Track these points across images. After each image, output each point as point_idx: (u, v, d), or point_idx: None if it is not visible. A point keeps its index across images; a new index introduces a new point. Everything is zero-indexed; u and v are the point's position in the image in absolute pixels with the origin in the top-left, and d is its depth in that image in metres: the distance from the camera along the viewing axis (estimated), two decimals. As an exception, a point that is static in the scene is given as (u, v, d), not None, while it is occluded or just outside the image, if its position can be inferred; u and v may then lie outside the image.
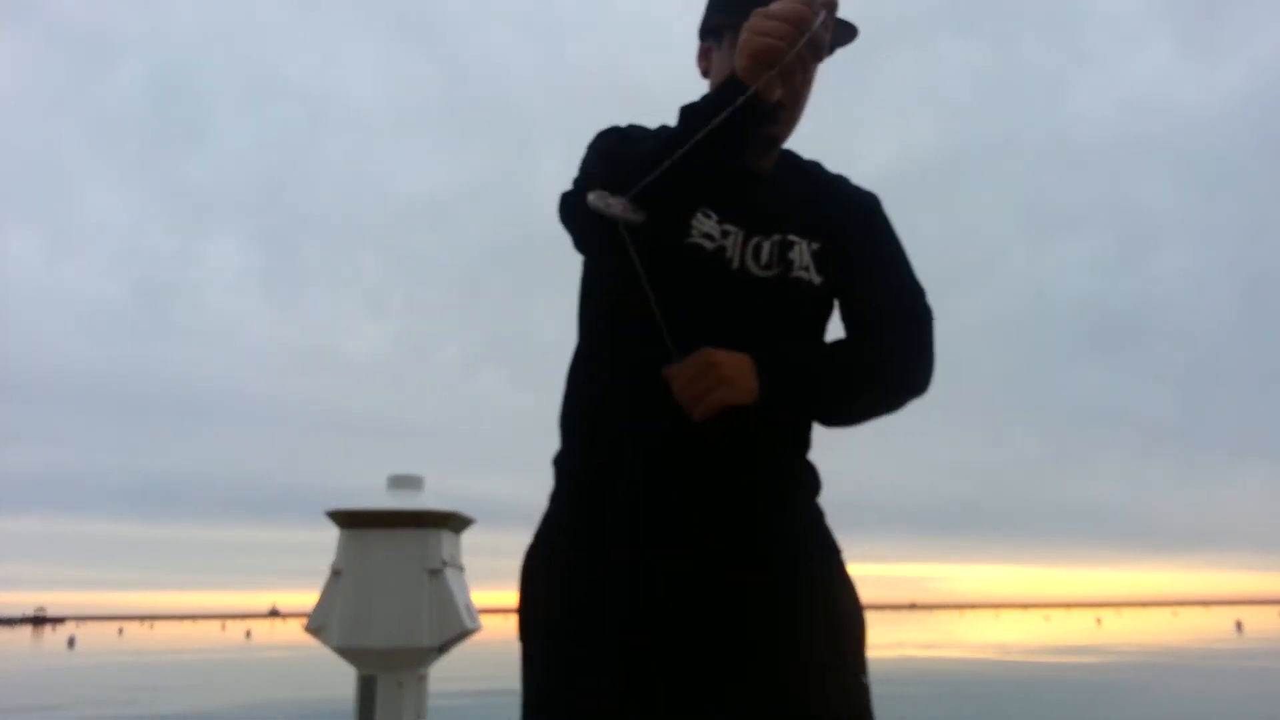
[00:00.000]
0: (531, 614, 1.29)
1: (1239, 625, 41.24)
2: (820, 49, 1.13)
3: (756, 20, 1.11)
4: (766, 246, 1.32)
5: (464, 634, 2.72)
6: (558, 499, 1.35)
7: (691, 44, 1.45)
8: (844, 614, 1.29)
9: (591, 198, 1.11)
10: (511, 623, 1.35)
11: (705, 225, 1.29)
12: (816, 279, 1.34)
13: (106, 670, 21.88)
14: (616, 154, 1.23)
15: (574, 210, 1.22)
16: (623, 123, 1.40)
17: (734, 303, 1.29)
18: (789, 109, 1.29)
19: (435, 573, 2.76)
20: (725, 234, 1.30)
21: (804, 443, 1.37)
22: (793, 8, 1.09)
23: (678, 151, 1.10)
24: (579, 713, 1.20)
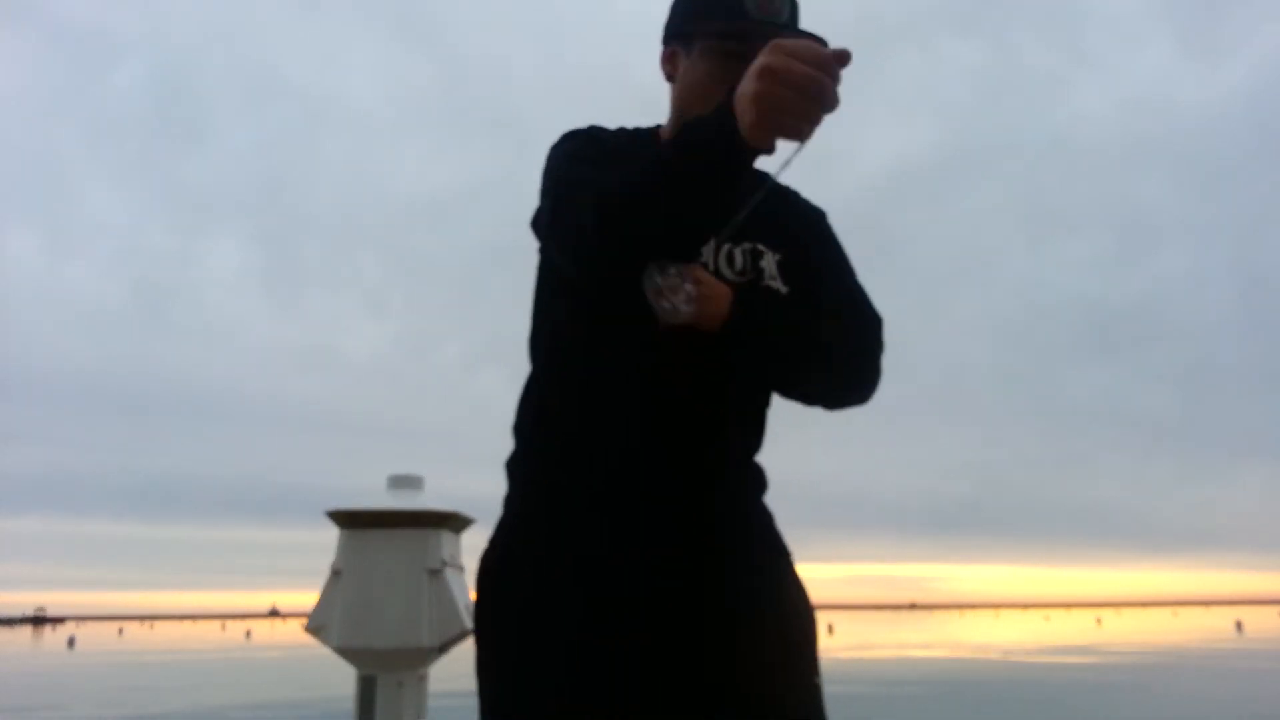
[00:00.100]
0: (485, 616, 1.29)
1: (1239, 625, 41.25)
2: (834, 105, 1.01)
3: (771, 83, 0.97)
4: (739, 254, 1.34)
5: (464, 634, 2.72)
6: (511, 503, 1.35)
7: None
8: (795, 615, 1.31)
9: (648, 288, 1.17)
10: None
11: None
12: (784, 288, 1.36)
13: (106, 670, 21.88)
14: (594, 186, 1.17)
15: (588, 255, 1.19)
16: (623, 123, 1.40)
17: None
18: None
19: (435, 573, 2.76)
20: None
21: (755, 445, 1.38)
22: (817, 78, 0.97)
23: (678, 212, 1.11)
24: (533, 715, 1.19)
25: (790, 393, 1.35)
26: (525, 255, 1.43)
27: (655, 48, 1.41)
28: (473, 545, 3.06)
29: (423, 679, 2.86)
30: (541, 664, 1.20)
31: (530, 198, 1.36)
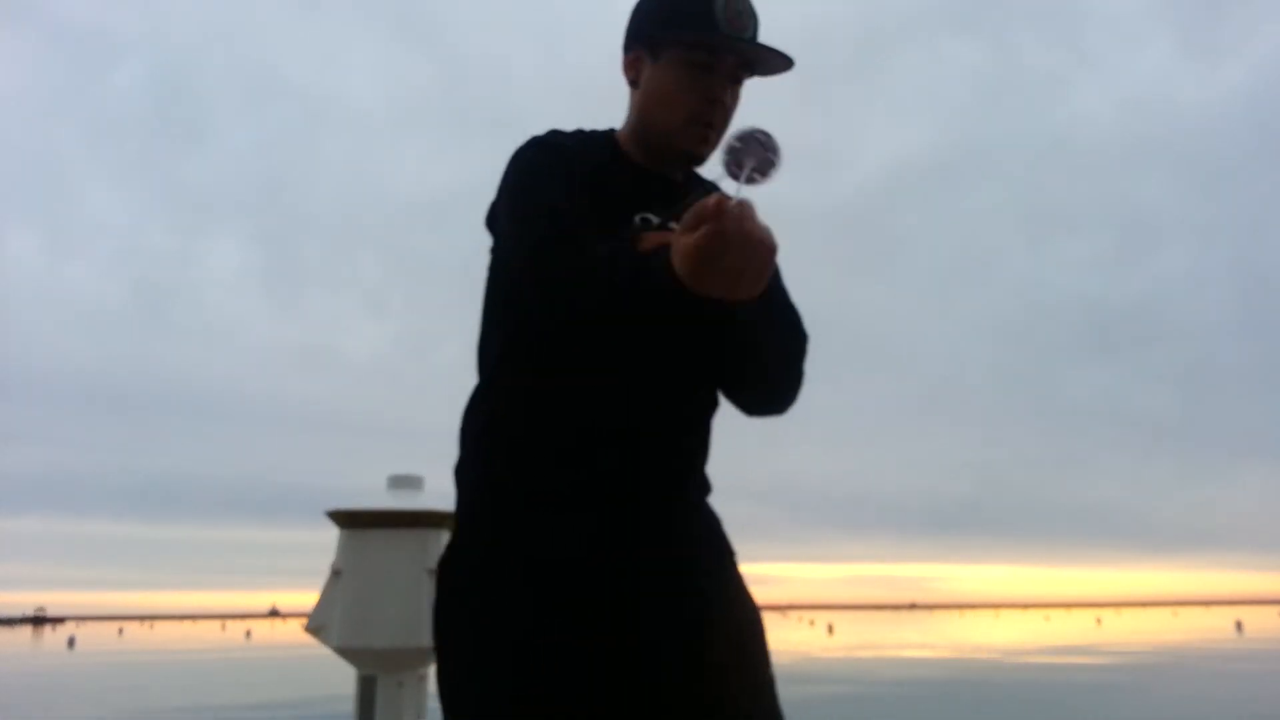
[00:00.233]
0: (441, 623, 1.29)
1: (1239, 625, 41.24)
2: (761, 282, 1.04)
3: (717, 241, 0.97)
4: None
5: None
6: (467, 508, 1.34)
7: None
8: (745, 615, 1.33)
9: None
10: None
11: (647, 230, 1.31)
12: None
13: (106, 670, 21.88)
14: (569, 261, 1.19)
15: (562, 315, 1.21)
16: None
17: None
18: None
19: (435, 573, 2.76)
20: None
21: (706, 451, 1.41)
22: (757, 258, 1.00)
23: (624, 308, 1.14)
24: (488, 712, 1.20)
25: (741, 393, 1.37)
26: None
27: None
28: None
29: (423, 679, 2.86)
30: (496, 667, 1.20)
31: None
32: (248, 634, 52.25)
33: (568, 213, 1.23)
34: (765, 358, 1.32)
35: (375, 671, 2.79)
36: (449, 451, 1.38)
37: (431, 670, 2.86)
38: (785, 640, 32.06)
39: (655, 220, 1.31)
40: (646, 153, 1.37)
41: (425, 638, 2.68)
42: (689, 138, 1.32)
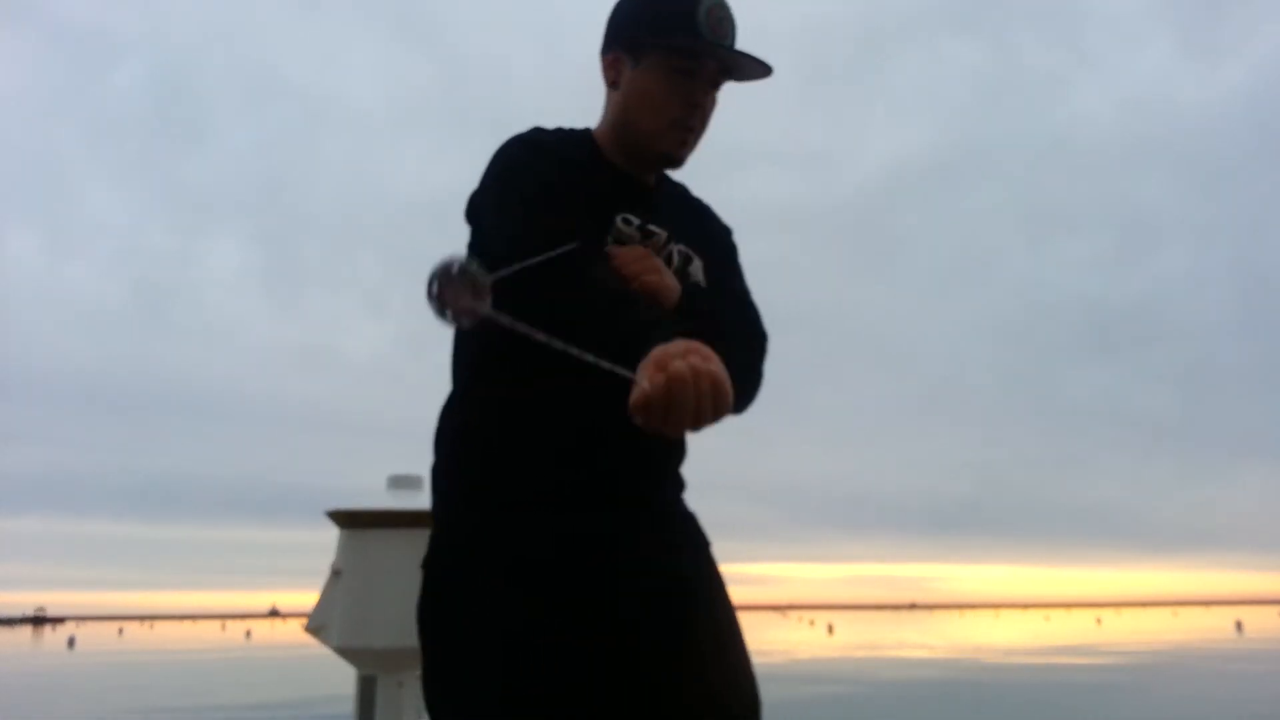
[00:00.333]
0: (424, 622, 1.32)
1: (1239, 625, 41.25)
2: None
3: (685, 388, 0.94)
4: (676, 254, 1.38)
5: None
6: (445, 511, 1.36)
7: None
8: (726, 613, 1.36)
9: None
10: None
11: (628, 230, 1.33)
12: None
13: (106, 670, 21.89)
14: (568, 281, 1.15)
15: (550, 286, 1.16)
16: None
17: None
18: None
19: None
20: (647, 235, 1.36)
21: (684, 448, 1.43)
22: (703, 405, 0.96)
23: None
24: (476, 712, 1.21)
25: None
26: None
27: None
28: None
29: (423, 679, 2.86)
30: (481, 667, 1.21)
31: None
32: (248, 634, 52.26)
33: (551, 206, 1.25)
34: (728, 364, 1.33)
35: (375, 671, 2.79)
36: (449, 452, 1.38)
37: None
38: (785, 640, 32.06)
39: (636, 221, 1.34)
40: (624, 153, 1.39)
41: (425, 638, 2.69)
42: (670, 141, 1.35)
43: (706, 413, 0.95)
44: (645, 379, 0.94)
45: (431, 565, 1.33)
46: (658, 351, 0.96)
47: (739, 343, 1.37)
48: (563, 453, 1.29)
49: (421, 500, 2.94)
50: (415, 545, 2.79)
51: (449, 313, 0.95)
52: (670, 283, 1.27)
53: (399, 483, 3.02)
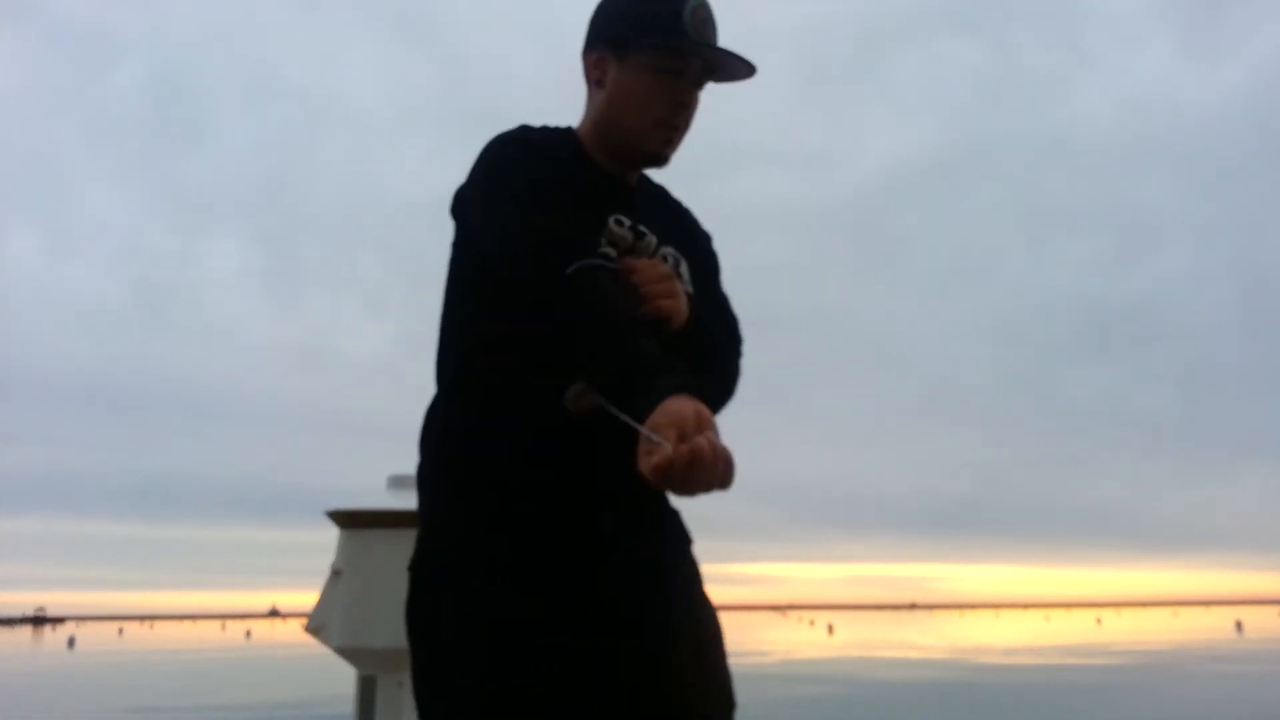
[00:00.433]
0: (412, 622, 1.30)
1: (1239, 625, 41.29)
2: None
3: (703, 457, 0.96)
4: (669, 257, 1.39)
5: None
6: (432, 512, 1.36)
7: None
8: (706, 611, 1.38)
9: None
10: None
11: (620, 232, 1.34)
12: (692, 292, 1.41)
13: (106, 670, 21.90)
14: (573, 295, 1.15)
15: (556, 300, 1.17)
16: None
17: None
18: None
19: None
20: (640, 236, 1.36)
21: None
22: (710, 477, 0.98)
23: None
24: (463, 711, 1.21)
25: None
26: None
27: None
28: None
29: (423, 679, 2.86)
30: (469, 666, 1.21)
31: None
32: (248, 634, 52.30)
33: (540, 203, 1.25)
34: (710, 371, 1.35)
35: (375, 671, 2.79)
36: (449, 453, 1.37)
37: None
38: (785, 640, 32.07)
39: (628, 223, 1.34)
40: (608, 153, 1.40)
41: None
42: (656, 140, 1.36)
43: (714, 488, 0.99)
44: (667, 444, 0.97)
45: (418, 567, 1.32)
46: (675, 415, 0.97)
47: (725, 352, 1.41)
48: (549, 452, 1.28)
49: (421, 500, 2.94)
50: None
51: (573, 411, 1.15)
52: (682, 307, 1.28)
53: (399, 483, 3.02)
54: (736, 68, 1.35)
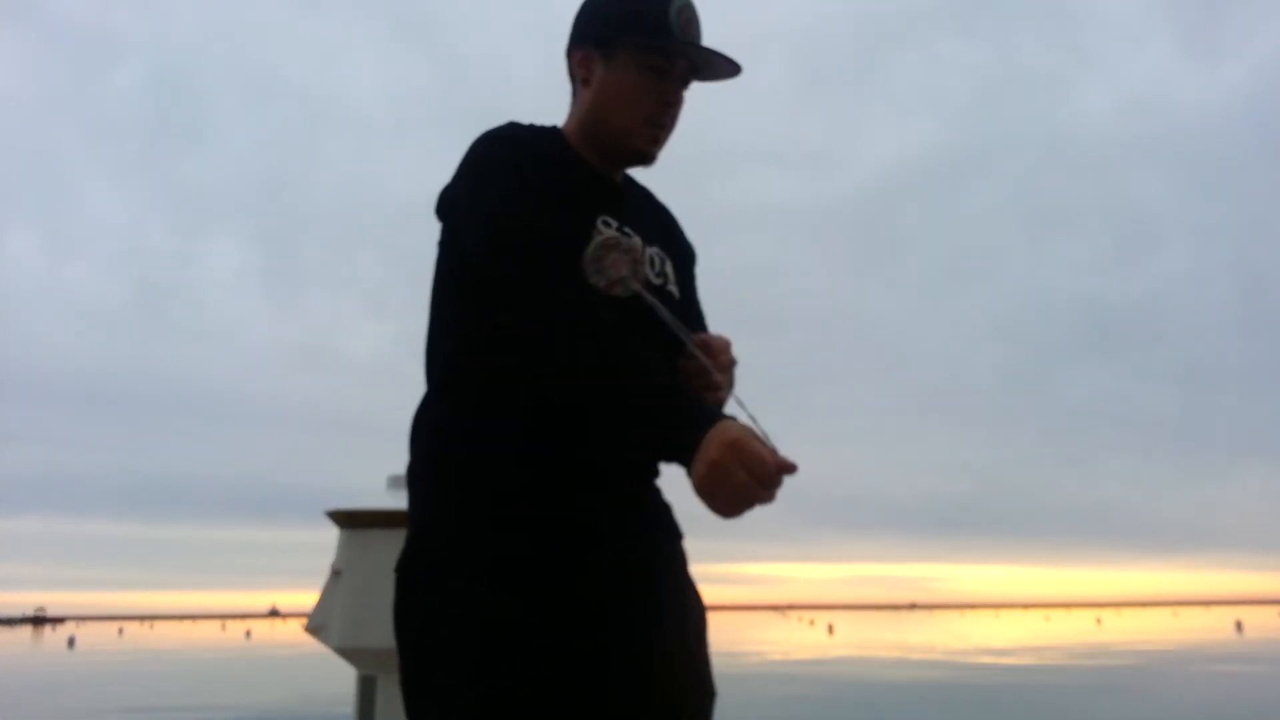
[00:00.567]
0: (401, 622, 1.28)
1: (1239, 625, 41.28)
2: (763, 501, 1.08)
3: (733, 468, 1.03)
4: (657, 257, 1.40)
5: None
6: (421, 511, 1.34)
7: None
8: (696, 606, 1.40)
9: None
10: None
11: (607, 233, 1.32)
12: (678, 294, 1.43)
13: (106, 670, 21.90)
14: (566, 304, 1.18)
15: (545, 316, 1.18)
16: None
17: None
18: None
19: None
20: (626, 237, 1.35)
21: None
22: (752, 490, 1.04)
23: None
24: (451, 702, 1.20)
25: None
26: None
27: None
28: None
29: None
30: (459, 664, 1.20)
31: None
32: (248, 634, 52.29)
33: (527, 201, 1.25)
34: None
35: (375, 671, 2.80)
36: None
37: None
38: (785, 640, 32.07)
39: (615, 224, 1.34)
40: (595, 151, 1.40)
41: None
42: (643, 139, 1.37)
43: (760, 496, 1.05)
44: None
45: (407, 567, 1.29)
46: (749, 442, 1.04)
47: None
48: (539, 449, 1.28)
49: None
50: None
51: (604, 280, 1.18)
52: (723, 397, 1.29)
53: (398, 483, 3.02)
54: (722, 67, 1.36)
